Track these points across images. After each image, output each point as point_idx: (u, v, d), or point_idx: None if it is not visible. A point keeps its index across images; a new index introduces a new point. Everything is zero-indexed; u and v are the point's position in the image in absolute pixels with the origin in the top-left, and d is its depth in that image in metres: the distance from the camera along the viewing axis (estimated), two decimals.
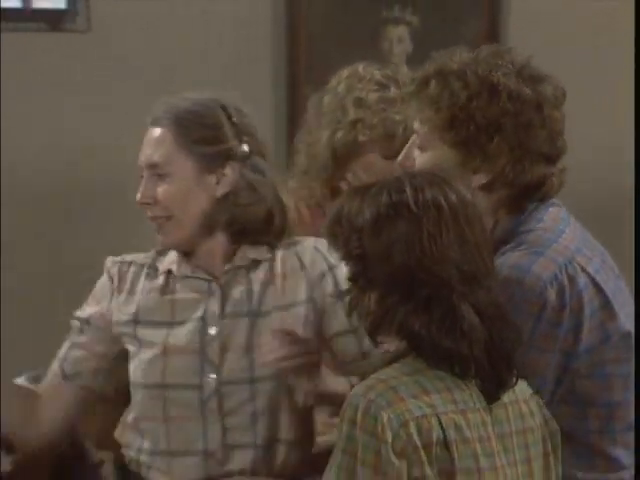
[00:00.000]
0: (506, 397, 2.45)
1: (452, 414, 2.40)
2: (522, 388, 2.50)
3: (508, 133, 2.68)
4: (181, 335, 2.98)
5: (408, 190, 2.48)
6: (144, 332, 3.00)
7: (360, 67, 3.48)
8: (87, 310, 3.07)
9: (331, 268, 2.94)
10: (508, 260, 2.67)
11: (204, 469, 3.02)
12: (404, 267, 2.45)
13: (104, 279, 3.08)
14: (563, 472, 2.59)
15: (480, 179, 2.71)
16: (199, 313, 2.95)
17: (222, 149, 2.81)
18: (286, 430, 3.05)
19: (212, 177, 2.80)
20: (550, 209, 2.75)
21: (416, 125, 2.77)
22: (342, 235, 2.52)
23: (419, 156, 2.79)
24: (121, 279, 3.07)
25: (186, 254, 3.00)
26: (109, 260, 3.06)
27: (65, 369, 3.09)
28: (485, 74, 2.70)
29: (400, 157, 2.82)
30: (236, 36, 4.62)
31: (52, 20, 4.58)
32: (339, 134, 3.46)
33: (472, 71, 2.72)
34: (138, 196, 2.85)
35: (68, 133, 4.69)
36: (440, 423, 2.38)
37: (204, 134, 2.83)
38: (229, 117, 2.88)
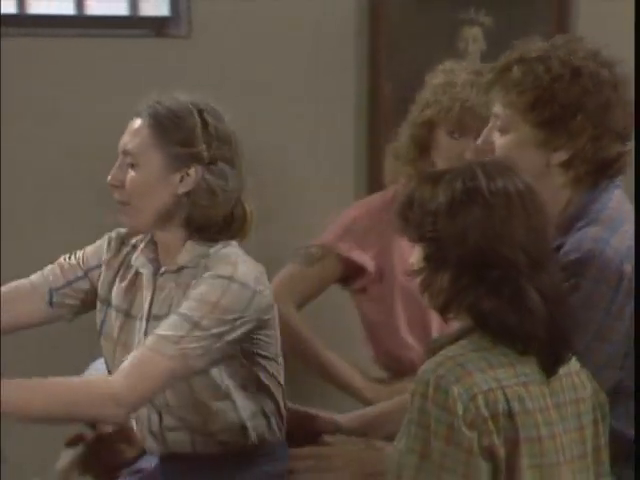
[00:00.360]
0: (561, 370, 2.56)
1: (515, 387, 2.48)
2: (573, 361, 2.62)
3: (589, 111, 2.74)
4: (129, 330, 3.13)
5: (481, 178, 2.55)
6: (111, 313, 3.15)
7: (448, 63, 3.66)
8: (87, 257, 3.19)
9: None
10: (587, 235, 2.75)
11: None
12: (477, 250, 2.52)
13: (103, 245, 3.20)
14: (616, 430, 2.71)
15: (561, 156, 2.78)
16: (143, 311, 3.08)
17: (190, 152, 2.91)
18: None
19: (176, 175, 2.89)
20: (616, 191, 2.83)
21: (497, 109, 2.84)
22: (414, 219, 2.59)
23: (500, 138, 2.85)
24: (114, 256, 3.19)
25: (154, 244, 3.12)
26: (115, 232, 3.18)
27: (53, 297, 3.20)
28: (566, 58, 2.78)
29: (479, 140, 2.90)
30: (322, 37, 4.61)
31: (156, 26, 4.60)
32: (415, 114, 3.64)
33: (554, 55, 2.79)
34: (109, 177, 2.95)
35: None
36: (505, 396, 2.46)
37: (177, 135, 2.93)
38: (204, 122, 2.97)
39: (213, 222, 2.98)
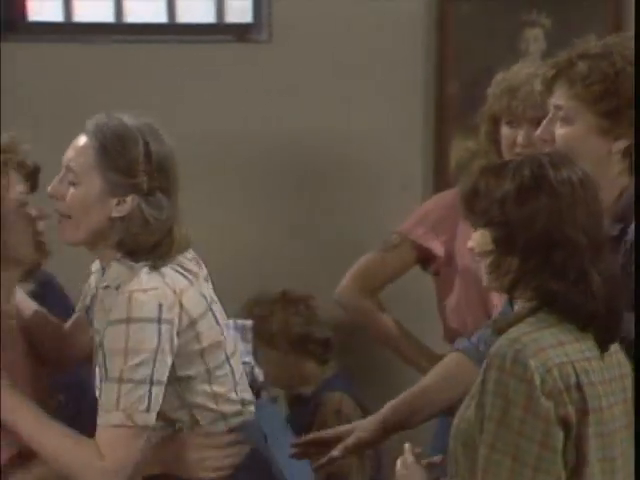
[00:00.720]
0: (611, 347, 2.62)
1: (582, 362, 2.53)
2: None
3: None
4: None
5: (548, 167, 2.61)
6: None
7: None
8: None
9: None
10: None
11: None
12: (544, 233, 2.57)
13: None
14: None
15: (621, 144, 2.82)
16: None
17: (130, 182, 2.85)
18: None
19: (114, 200, 2.84)
20: None
21: (559, 101, 2.86)
22: (480, 206, 2.65)
23: (562, 128, 2.88)
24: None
25: None
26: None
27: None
28: (625, 53, 2.82)
29: (539, 131, 2.93)
30: (394, 38, 4.61)
31: (239, 32, 4.69)
32: (484, 109, 3.70)
33: (615, 51, 2.82)
34: (49, 188, 2.92)
35: (255, 126, 4.65)
36: (574, 369, 2.51)
37: (120, 163, 2.86)
38: (148, 153, 2.91)
39: (142, 247, 2.94)
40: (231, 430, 3.09)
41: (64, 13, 4.76)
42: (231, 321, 3.67)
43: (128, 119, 2.95)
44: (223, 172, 4.77)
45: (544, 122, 2.90)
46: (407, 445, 2.84)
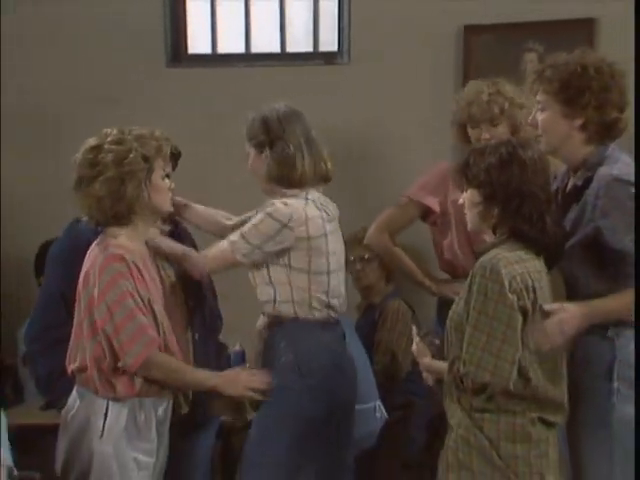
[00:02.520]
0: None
1: (535, 273, 2.74)
2: None
3: (593, 91, 2.87)
4: None
5: (517, 147, 2.78)
6: None
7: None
8: None
9: None
10: (613, 169, 2.83)
11: None
12: (516, 190, 2.74)
13: None
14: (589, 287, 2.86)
15: (578, 122, 2.90)
16: None
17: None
18: None
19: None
20: (623, 155, 2.91)
21: (538, 97, 2.95)
22: (471, 173, 2.80)
23: (540, 115, 2.96)
24: None
25: None
26: None
27: None
28: (579, 60, 2.91)
29: (529, 119, 3.02)
30: (434, 60, 4.77)
31: (328, 58, 4.99)
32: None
33: (572, 61, 2.92)
34: None
35: (338, 123, 4.71)
36: (531, 278, 2.71)
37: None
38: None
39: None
40: (314, 322, 3.28)
41: (211, 47, 5.18)
42: None
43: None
44: None
45: (533, 112, 2.99)
46: (414, 328, 3.03)
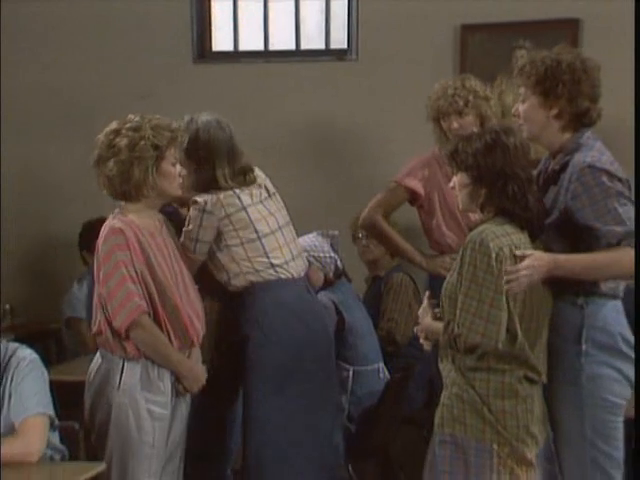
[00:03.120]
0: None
1: (520, 245, 2.76)
2: None
3: (566, 84, 2.87)
4: None
5: (501, 134, 2.82)
6: None
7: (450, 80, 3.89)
8: None
9: None
10: (587, 156, 2.83)
11: None
12: (501, 172, 2.78)
13: None
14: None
15: (553, 111, 2.91)
16: None
17: None
18: None
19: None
20: (598, 142, 2.92)
21: (520, 90, 2.96)
22: (459, 158, 2.82)
23: (521, 106, 2.97)
24: None
25: None
26: None
27: None
28: (554, 57, 2.91)
29: (513, 110, 3.01)
30: (432, 57, 4.78)
31: (338, 54, 5.01)
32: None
33: (546, 57, 2.91)
34: None
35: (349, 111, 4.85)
36: (516, 249, 2.74)
37: None
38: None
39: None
40: (266, 283, 3.33)
41: (233, 45, 5.22)
42: (318, 232, 4.03)
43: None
44: (331, 141, 4.89)
45: (516, 104, 3.00)
46: (427, 293, 2.97)
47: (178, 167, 3.23)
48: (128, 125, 3.17)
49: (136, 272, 3.11)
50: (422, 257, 3.92)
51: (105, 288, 3.12)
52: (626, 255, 2.76)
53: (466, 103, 3.77)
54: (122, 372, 3.15)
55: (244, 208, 3.37)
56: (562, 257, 2.81)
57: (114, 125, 3.21)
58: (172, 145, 3.19)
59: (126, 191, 3.17)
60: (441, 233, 3.86)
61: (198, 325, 3.26)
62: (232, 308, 3.44)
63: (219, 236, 3.37)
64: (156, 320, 3.15)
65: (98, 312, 3.18)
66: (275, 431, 3.38)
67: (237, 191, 3.38)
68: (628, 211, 2.79)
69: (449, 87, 3.81)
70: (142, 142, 3.12)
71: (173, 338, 3.18)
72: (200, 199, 3.36)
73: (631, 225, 2.77)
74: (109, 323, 3.13)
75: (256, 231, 3.38)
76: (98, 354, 3.25)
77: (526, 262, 2.74)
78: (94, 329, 3.22)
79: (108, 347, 3.18)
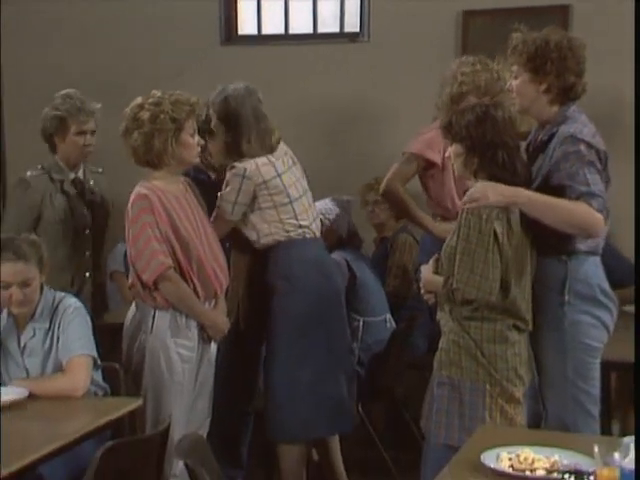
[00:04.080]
0: None
1: (514, 214, 2.80)
2: None
3: (553, 60, 2.88)
4: None
5: (491, 108, 2.86)
6: None
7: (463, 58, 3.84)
8: None
9: None
10: (572, 127, 2.84)
11: None
12: (491, 142, 2.80)
13: None
14: None
15: (543, 87, 2.91)
16: None
17: None
18: None
19: None
20: (583, 115, 2.93)
21: (513, 67, 2.98)
22: (454, 130, 2.83)
23: (514, 82, 2.98)
24: None
25: None
26: None
27: None
28: (543, 37, 2.92)
29: (507, 84, 3.06)
30: (436, 39, 4.73)
31: (351, 37, 5.01)
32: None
33: (537, 38, 2.93)
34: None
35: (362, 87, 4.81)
36: (506, 210, 2.75)
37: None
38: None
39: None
40: (293, 241, 3.38)
41: (257, 29, 5.20)
42: (332, 198, 4.13)
43: None
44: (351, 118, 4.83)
45: (509, 81, 3.01)
46: (436, 255, 2.93)
47: (196, 137, 3.25)
48: (150, 100, 3.20)
49: (160, 232, 3.15)
50: (432, 223, 3.88)
51: (133, 248, 3.17)
52: (580, 207, 2.76)
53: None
54: (153, 320, 3.20)
55: (279, 175, 3.43)
56: (527, 191, 2.80)
57: (139, 100, 3.24)
58: (190, 117, 3.21)
59: (149, 159, 3.20)
60: (452, 201, 3.80)
61: (221, 277, 3.31)
62: (260, 262, 3.48)
63: (253, 199, 3.41)
64: (182, 274, 3.19)
65: (130, 268, 3.25)
66: (295, 372, 3.42)
67: (272, 159, 3.42)
68: (596, 179, 2.80)
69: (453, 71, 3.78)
70: (162, 115, 3.15)
71: (199, 289, 3.23)
72: (239, 165, 3.39)
73: (594, 189, 2.77)
74: (139, 277, 3.19)
75: (288, 196, 3.44)
76: (134, 304, 3.31)
77: (486, 184, 2.77)
78: (129, 282, 3.30)
79: (140, 298, 3.24)
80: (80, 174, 3.85)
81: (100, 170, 3.95)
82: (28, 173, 3.71)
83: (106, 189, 3.93)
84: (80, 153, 3.71)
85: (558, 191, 2.82)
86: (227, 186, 3.41)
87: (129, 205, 3.22)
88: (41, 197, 3.69)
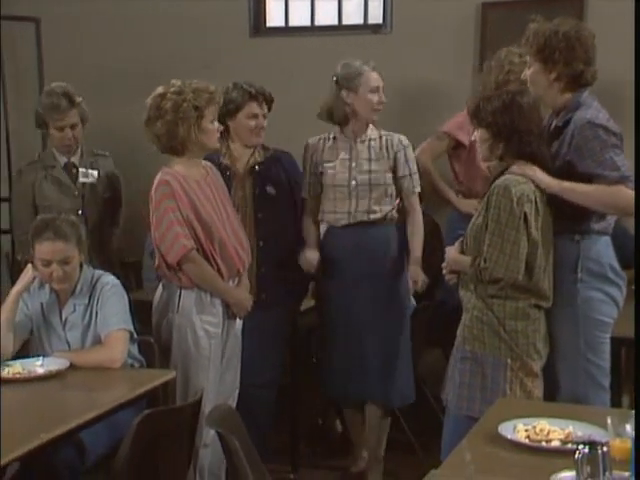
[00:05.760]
0: None
1: (537, 191, 2.81)
2: None
3: (562, 50, 2.89)
4: None
5: (516, 95, 2.87)
6: None
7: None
8: None
9: None
10: (587, 114, 2.85)
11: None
12: (517, 128, 2.82)
13: None
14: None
15: (553, 75, 2.93)
16: None
17: None
18: None
19: None
20: (595, 101, 2.94)
21: (527, 58, 3.01)
22: (480, 116, 2.86)
23: (528, 71, 3.00)
24: None
25: None
26: None
27: None
28: (553, 28, 2.93)
29: (522, 75, 3.04)
30: (457, 30, 4.69)
31: (374, 28, 4.96)
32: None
33: (548, 29, 2.94)
34: None
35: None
36: (535, 194, 2.80)
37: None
38: None
39: None
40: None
41: (284, 21, 5.17)
42: None
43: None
44: None
45: (525, 70, 3.01)
46: (461, 238, 2.95)
47: (216, 124, 3.23)
48: (172, 89, 3.17)
49: (182, 216, 3.14)
50: (455, 197, 4.00)
51: (157, 232, 3.17)
52: (621, 192, 2.77)
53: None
54: (179, 299, 3.22)
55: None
56: (567, 182, 2.80)
57: (160, 90, 3.20)
58: (210, 105, 3.18)
59: (173, 146, 3.18)
60: (476, 177, 3.82)
61: (243, 255, 3.34)
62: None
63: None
64: (204, 254, 3.20)
65: (156, 250, 3.26)
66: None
67: None
68: (622, 159, 2.81)
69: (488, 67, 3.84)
70: (185, 104, 3.13)
71: (222, 268, 3.24)
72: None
73: (625, 171, 2.79)
74: (164, 259, 3.20)
75: None
76: (161, 284, 3.34)
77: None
78: (155, 263, 3.30)
79: (166, 278, 3.26)
80: (75, 159, 3.85)
81: (107, 153, 3.95)
82: (23, 164, 3.80)
83: (112, 172, 3.92)
84: (62, 145, 3.74)
85: (586, 180, 2.80)
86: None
87: (152, 191, 3.21)
88: (31, 185, 3.74)
